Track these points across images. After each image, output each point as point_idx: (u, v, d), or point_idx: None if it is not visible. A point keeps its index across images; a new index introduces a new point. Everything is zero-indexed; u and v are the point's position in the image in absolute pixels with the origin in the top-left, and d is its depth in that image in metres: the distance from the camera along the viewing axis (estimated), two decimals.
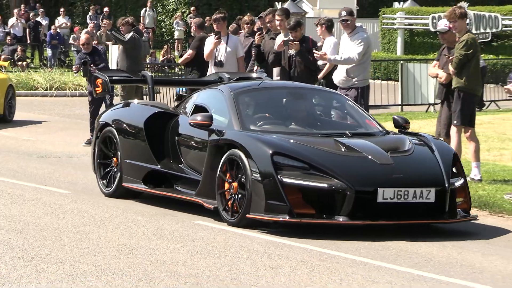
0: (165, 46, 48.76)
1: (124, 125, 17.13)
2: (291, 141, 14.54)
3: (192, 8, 48.01)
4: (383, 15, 51.00)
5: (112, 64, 35.96)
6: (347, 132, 15.51)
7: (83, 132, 27.99)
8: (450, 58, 18.76)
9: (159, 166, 16.30)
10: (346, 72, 20.65)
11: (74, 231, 15.08)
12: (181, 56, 34.19)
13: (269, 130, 15.20)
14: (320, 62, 21.94)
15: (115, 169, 16.81)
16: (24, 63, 51.68)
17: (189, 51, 27.44)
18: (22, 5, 59.82)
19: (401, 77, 40.08)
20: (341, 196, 13.37)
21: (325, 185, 13.34)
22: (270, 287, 11.83)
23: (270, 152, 13.71)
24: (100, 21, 53.66)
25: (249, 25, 26.52)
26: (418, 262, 12.45)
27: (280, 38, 22.73)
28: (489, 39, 46.09)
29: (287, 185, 13.31)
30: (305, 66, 21.86)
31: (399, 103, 39.65)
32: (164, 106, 18.35)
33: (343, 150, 14.29)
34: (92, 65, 26.29)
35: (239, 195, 14.20)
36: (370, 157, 14.04)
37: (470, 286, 11.11)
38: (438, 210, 13.71)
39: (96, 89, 18.12)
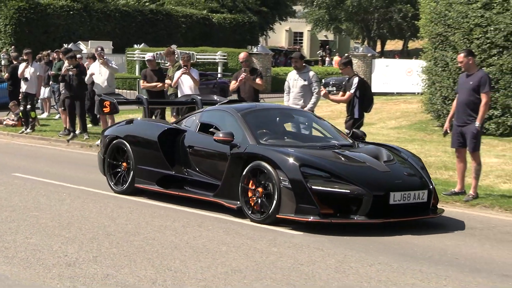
0: None
1: (137, 138, 13.36)
2: (310, 154, 11.34)
3: (12, 47, 46.17)
4: (127, 52, 50.48)
5: None
6: (336, 144, 12.21)
7: None
8: (169, 76, 18.80)
9: (173, 172, 12.69)
10: (107, 82, 20.06)
11: None
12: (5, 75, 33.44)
13: (275, 144, 11.78)
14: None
15: (124, 172, 13.31)
16: None
17: (7, 74, 26.86)
18: None
19: (137, 88, 39.97)
20: (360, 199, 10.44)
21: (348, 191, 10.42)
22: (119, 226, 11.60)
23: (298, 164, 10.63)
24: None
25: (45, 57, 26.58)
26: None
27: (65, 66, 22.28)
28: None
29: (315, 191, 10.40)
30: (79, 81, 20.76)
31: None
32: (166, 122, 14.59)
33: (343, 160, 11.21)
34: None
35: (263, 199, 10.95)
36: (370, 165, 11.12)
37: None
38: (426, 208, 11.15)
39: (104, 109, 15.59)
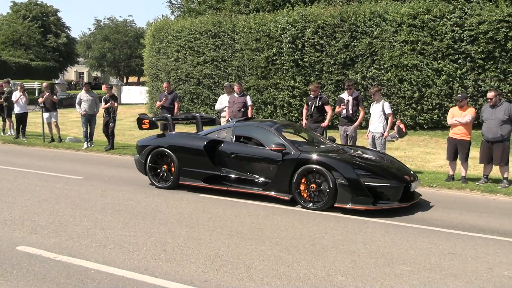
0: None
1: (181, 147, 8.79)
2: (351, 157, 7.90)
3: None
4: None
5: None
6: (343, 149, 8.63)
7: None
8: (3, 97, 16.37)
9: (220, 173, 8.43)
10: None
11: None
12: None
13: (307, 150, 8.07)
14: None
15: (165, 172, 8.91)
16: None
17: None
18: None
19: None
20: (394, 190, 7.40)
21: (389, 184, 7.36)
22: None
23: (351, 166, 7.38)
24: None
25: None
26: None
27: None
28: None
29: (367, 186, 7.27)
30: None
31: None
32: (199, 135, 9.15)
33: (361, 160, 7.83)
34: None
35: (317, 192, 7.51)
36: (385, 164, 8.01)
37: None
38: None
39: (143, 125, 9.28)
